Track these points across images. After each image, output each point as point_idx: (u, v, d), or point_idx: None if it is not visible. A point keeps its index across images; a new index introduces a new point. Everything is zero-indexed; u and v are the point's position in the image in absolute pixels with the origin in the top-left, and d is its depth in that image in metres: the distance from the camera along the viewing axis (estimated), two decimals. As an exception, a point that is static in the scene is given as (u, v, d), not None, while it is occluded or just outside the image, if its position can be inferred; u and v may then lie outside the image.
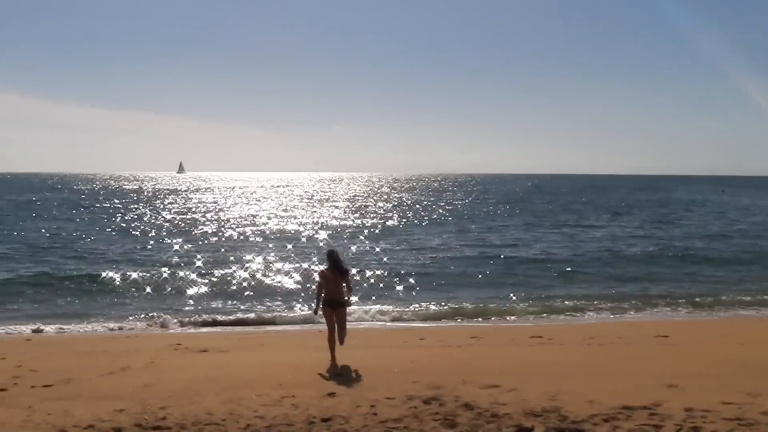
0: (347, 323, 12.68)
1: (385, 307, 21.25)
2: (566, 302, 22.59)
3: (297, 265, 29.29)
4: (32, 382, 10.87)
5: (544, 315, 20.98)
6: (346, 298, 12.28)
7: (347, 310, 12.69)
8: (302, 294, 23.37)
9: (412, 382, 10.75)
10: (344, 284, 12.18)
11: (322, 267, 12.94)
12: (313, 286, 17.13)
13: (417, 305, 21.83)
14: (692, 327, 18.43)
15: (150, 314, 20.16)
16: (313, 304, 12.93)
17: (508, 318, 20.56)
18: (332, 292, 12.10)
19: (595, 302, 22.63)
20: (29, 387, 10.57)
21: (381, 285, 25.47)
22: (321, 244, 38.33)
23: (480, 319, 20.29)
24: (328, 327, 12.33)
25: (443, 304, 22.00)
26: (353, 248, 36.52)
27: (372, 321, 19.96)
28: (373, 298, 22.96)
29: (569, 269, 29.63)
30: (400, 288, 25.06)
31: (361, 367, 11.90)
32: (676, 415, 9.08)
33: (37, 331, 17.76)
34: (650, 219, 58.93)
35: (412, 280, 26.28)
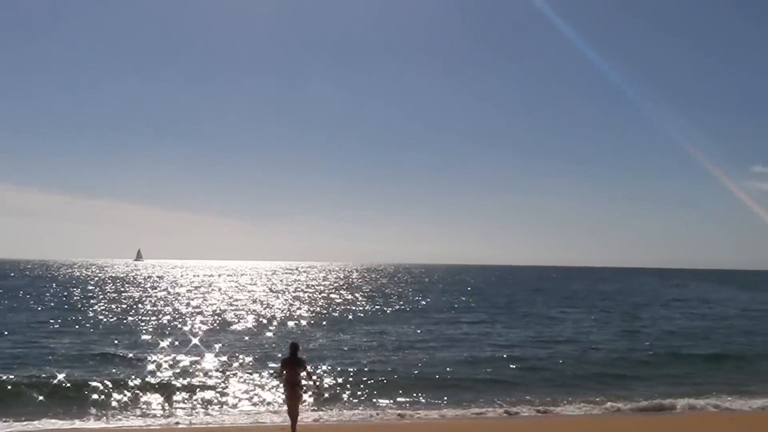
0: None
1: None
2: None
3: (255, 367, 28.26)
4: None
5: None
6: (303, 381, 15.04)
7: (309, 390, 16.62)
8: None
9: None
10: (301, 371, 14.89)
11: (283, 356, 15.65)
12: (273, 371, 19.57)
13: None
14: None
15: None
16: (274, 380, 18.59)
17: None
18: (291, 377, 14.85)
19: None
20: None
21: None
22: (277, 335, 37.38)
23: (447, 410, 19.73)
24: (287, 403, 15.19)
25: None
26: (319, 340, 35.71)
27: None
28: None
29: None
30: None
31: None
32: None
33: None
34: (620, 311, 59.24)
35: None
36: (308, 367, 15.21)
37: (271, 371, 20.39)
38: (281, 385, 15.52)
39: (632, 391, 23.62)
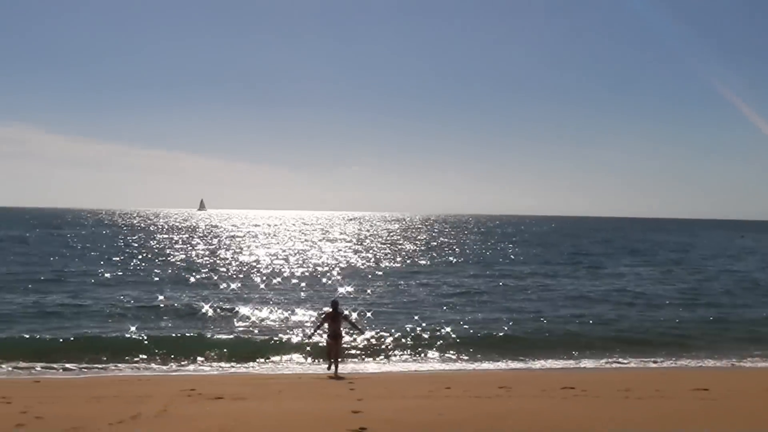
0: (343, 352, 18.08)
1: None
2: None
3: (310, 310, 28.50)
4: (37, 431, 10.17)
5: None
6: (347, 331, 17.94)
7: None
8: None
9: (442, 438, 9.96)
10: (344, 323, 17.33)
11: (327, 309, 18.10)
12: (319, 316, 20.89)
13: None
14: (732, 379, 17.51)
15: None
16: (309, 331, 20.27)
17: (534, 364, 19.83)
18: (333, 329, 17.02)
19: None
20: (33, 437, 9.87)
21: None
22: (336, 286, 37.70)
23: (506, 363, 19.66)
24: (329, 351, 17.35)
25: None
26: (379, 287, 35.84)
27: (393, 363, 19.50)
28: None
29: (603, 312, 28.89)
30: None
31: (386, 419, 11.13)
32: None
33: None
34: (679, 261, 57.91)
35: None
36: (351, 318, 18.16)
37: (314, 323, 21.39)
38: (324, 335, 17.78)
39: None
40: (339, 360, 17.34)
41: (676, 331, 25.63)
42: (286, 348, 21.34)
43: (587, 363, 20.54)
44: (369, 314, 26.99)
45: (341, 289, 35.14)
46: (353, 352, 20.88)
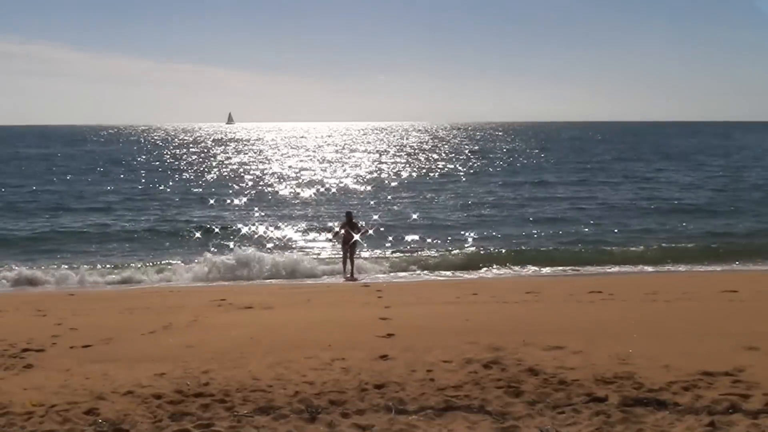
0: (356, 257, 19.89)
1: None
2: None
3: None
4: (71, 341, 10.41)
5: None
6: (357, 237, 19.47)
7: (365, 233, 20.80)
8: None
9: (469, 342, 10.01)
10: (356, 232, 19.43)
11: (343, 220, 20.08)
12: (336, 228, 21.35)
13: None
14: (761, 281, 17.40)
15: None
16: (329, 234, 22.26)
17: (564, 270, 19.87)
18: (347, 236, 19.24)
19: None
20: (68, 347, 10.10)
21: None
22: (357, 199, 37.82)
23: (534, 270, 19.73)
24: (342, 256, 19.53)
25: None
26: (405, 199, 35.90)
27: (420, 273, 19.65)
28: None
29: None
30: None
31: (414, 325, 11.23)
32: (763, 382, 8.20)
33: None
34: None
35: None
36: (360, 226, 20.47)
37: (331, 231, 22.40)
38: (339, 242, 20.08)
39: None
40: (353, 264, 19.40)
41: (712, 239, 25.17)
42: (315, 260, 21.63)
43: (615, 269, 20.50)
44: (394, 226, 27.12)
45: (373, 201, 35.25)
46: (382, 263, 21.11)
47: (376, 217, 24.64)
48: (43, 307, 13.66)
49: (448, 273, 19.95)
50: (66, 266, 19.75)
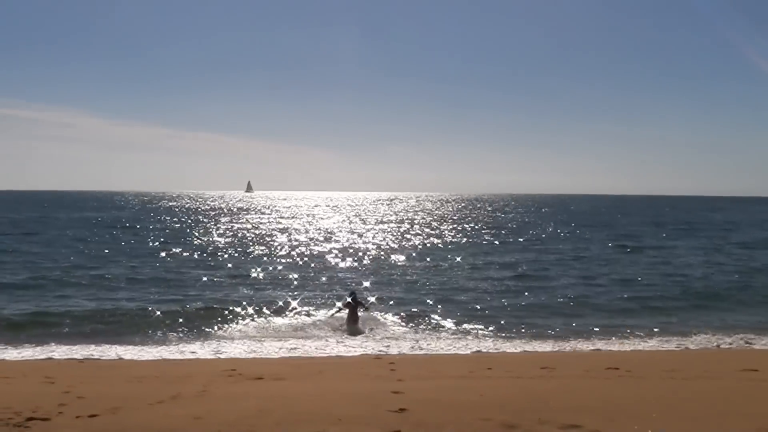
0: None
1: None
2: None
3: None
4: (78, 410, 10.22)
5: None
6: (360, 313, 21.40)
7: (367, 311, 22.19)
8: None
9: (482, 419, 9.75)
10: (359, 309, 21.43)
11: (348, 299, 21.83)
12: (339, 304, 22.89)
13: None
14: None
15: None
16: (330, 311, 22.62)
17: (578, 347, 19.50)
18: (352, 315, 21.15)
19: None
20: (74, 417, 9.90)
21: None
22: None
23: (549, 344, 19.36)
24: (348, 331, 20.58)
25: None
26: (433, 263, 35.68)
27: (434, 344, 19.33)
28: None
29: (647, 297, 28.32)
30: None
31: (426, 399, 10.97)
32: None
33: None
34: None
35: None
36: (365, 304, 22.29)
37: (336, 309, 22.63)
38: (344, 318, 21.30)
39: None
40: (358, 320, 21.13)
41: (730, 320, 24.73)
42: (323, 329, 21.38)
43: (632, 345, 20.14)
44: (404, 294, 26.92)
45: (388, 271, 35.09)
46: (394, 330, 20.94)
47: (372, 299, 24.50)
48: (52, 374, 13.50)
49: (463, 343, 19.68)
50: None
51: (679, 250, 48.08)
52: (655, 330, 21.81)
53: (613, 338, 20.77)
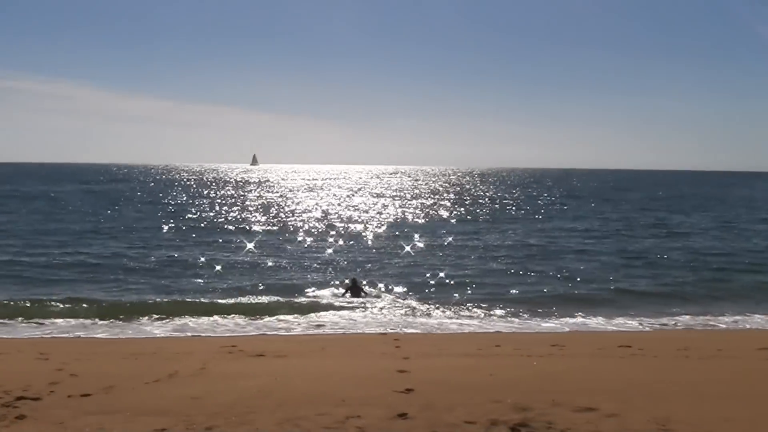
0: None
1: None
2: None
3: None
4: (70, 389, 9.80)
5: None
6: (363, 294, 21.91)
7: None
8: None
9: (493, 401, 9.30)
10: (360, 293, 21.81)
11: (347, 282, 22.67)
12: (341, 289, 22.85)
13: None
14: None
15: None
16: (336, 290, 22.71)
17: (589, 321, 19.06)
18: (354, 297, 21.51)
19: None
20: (66, 396, 9.47)
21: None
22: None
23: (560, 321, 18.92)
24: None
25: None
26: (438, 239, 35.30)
27: (440, 321, 18.87)
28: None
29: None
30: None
31: (434, 379, 10.53)
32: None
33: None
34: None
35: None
36: (365, 289, 22.48)
37: (338, 290, 22.70)
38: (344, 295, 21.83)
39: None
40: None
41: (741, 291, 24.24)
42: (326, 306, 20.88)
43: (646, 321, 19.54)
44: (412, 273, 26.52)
45: (392, 249, 34.58)
46: (399, 305, 20.54)
47: (381, 285, 23.78)
48: (47, 350, 13.10)
49: (471, 321, 19.15)
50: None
51: (702, 228, 46.89)
52: (673, 310, 21.07)
53: (623, 318, 20.12)
